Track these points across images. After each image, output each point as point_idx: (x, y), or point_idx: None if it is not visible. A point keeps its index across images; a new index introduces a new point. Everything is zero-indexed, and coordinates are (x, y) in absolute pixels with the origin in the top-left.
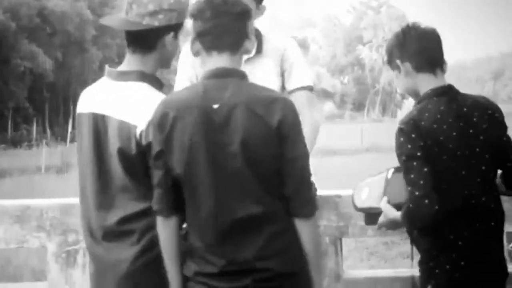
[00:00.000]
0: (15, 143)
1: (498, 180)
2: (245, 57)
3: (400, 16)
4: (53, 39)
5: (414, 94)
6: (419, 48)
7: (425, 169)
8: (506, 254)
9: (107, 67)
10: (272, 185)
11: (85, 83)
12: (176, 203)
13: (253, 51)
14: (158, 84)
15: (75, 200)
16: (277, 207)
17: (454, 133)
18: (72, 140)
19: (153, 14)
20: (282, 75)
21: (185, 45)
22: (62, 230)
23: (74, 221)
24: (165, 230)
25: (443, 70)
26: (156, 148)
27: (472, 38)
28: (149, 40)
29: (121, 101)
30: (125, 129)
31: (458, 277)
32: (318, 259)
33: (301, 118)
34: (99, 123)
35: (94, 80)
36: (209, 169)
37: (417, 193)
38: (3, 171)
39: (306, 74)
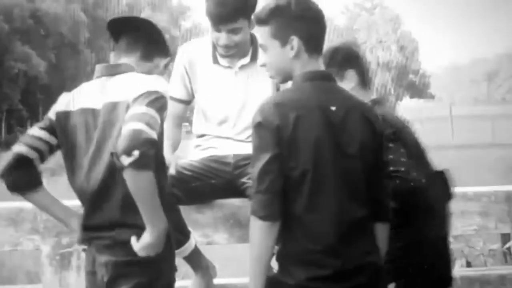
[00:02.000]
0: (8, 146)
1: None
2: (239, 64)
3: (394, 17)
4: (47, 41)
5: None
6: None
7: None
8: (501, 255)
9: (97, 65)
10: (371, 188)
11: (79, 85)
12: (282, 208)
13: (248, 59)
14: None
15: (69, 203)
16: (370, 210)
17: None
18: None
19: None
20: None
21: (181, 48)
22: (56, 233)
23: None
24: (269, 236)
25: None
26: (270, 151)
27: (467, 39)
28: (148, 52)
29: (112, 90)
30: (115, 108)
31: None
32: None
33: None
34: (91, 116)
35: None
36: (331, 169)
37: None
38: None
39: None
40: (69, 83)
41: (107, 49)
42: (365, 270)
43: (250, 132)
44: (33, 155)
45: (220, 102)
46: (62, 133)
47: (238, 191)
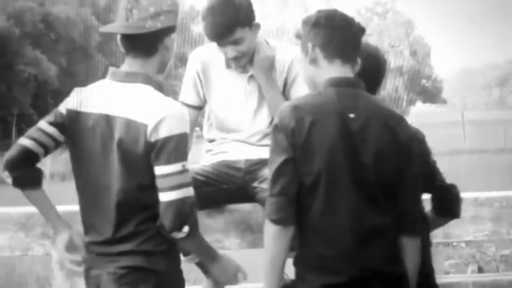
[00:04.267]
0: None
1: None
2: (252, 71)
3: (406, 22)
4: (58, 45)
5: None
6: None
7: None
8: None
9: (111, 68)
10: (392, 198)
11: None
12: (295, 213)
13: None
14: (160, 88)
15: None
16: (391, 219)
17: None
18: None
19: (155, 16)
20: (284, 87)
21: (193, 53)
22: None
23: (78, 228)
24: (282, 240)
25: None
26: (285, 154)
27: (479, 44)
28: (151, 43)
29: (129, 101)
30: (132, 127)
31: None
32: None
33: None
34: (105, 123)
35: None
36: (346, 176)
37: None
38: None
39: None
40: (80, 87)
41: (118, 53)
42: (383, 279)
43: (261, 135)
44: (39, 150)
45: (233, 106)
46: (72, 133)
47: (249, 196)
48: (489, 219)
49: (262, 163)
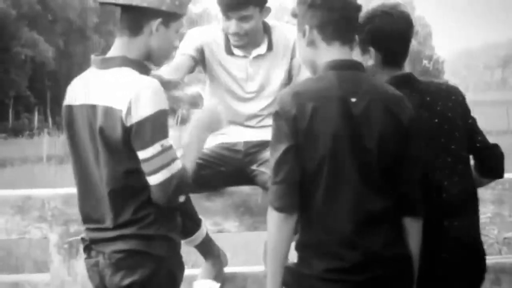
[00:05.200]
0: (16, 132)
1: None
2: (254, 53)
3: (407, 2)
4: (55, 26)
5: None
6: (390, 36)
7: None
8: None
9: (92, 56)
10: (393, 181)
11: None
12: (298, 200)
13: (264, 48)
14: (143, 68)
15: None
16: (392, 203)
17: None
18: None
19: None
20: (290, 71)
21: (193, 30)
22: (64, 221)
23: (76, 211)
24: (285, 227)
25: (405, 59)
26: (286, 142)
27: (480, 24)
28: (135, 21)
29: (105, 88)
30: (110, 115)
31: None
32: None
33: None
34: (89, 113)
35: None
36: (349, 161)
37: None
38: (4, 161)
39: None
40: (77, 69)
41: (116, 34)
42: (385, 262)
43: (260, 118)
44: None
45: (233, 90)
46: (68, 128)
47: (248, 179)
48: (492, 201)
49: (261, 145)
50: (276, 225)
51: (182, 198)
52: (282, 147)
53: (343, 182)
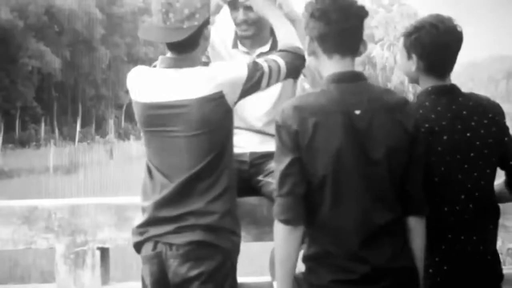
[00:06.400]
0: (23, 143)
1: (500, 186)
2: (258, 51)
3: (412, 14)
4: (61, 38)
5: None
6: (432, 47)
7: None
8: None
9: (161, 57)
10: (399, 188)
11: (93, 82)
12: (304, 212)
13: (268, 47)
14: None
15: (84, 201)
16: (400, 210)
17: (445, 137)
18: (80, 140)
19: (190, 16)
20: None
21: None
22: (70, 231)
23: (82, 221)
24: (292, 240)
25: (448, 71)
26: (290, 154)
27: (485, 37)
28: (193, 42)
29: (186, 84)
30: (210, 100)
31: (439, 281)
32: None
33: None
34: (166, 109)
35: (102, 80)
36: (354, 174)
37: None
38: (11, 171)
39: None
40: (84, 80)
41: (122, 45)
42: (391, 273)
43: (267, 119)
44: None
45: None
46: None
47: (254, 189)
48: None
49: (267, 156)
50: (282, 237)
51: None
52: (286, 160)
53: (349, 197)
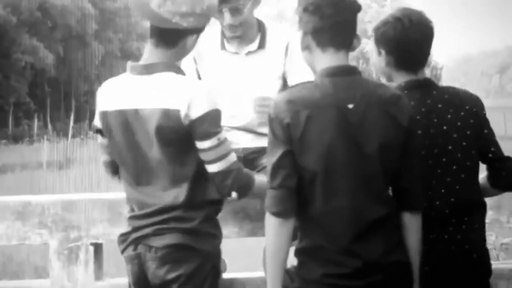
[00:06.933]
0: (16, 139)
1: (483, 180)
2: (246, 50)
3: None
4: (54, 33)
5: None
6: (397, 42)
7: None
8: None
9: (129, 62)
10: (391, 183)
11: (87, 78)
12: (296, 205)
13: (256, 45)
14: (182, 73)
15: (77, 196)
16: (395, 205)
17: (420, 131)
18: (74, 136)
19: (184, 15)
20: (284, 69)
21: None
22: (64, 227)
23: (76, 217)
24: (283, 233)
25: (419, 65)
26: (282, 147)
27: (478, 31)
28: (172, 38)
29: (154, 92)
30: (167, 116)
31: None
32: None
33: None
34: (129, 117)
35: (96, 75)
36: (347, 169)
37: None
38: (4, 167)
39: (307, 70)
40: (77, 76)
41: (115, 41)
42: (384, 268)
43: (260, 119)
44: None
45: (229, 88)
46: (106, 131)
47: None
48: (490, 207)
49: (260, 151)
50: (274, 230)
51: (234, 195)
52: (278, 152)
53: (341, 191)
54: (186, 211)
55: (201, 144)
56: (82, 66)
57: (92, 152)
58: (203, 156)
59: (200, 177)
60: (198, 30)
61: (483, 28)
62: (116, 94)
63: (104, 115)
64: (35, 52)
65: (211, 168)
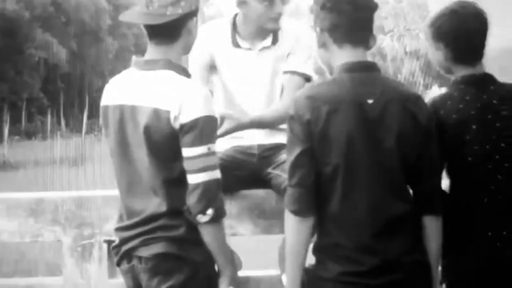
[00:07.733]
0: (29, 135)
1: None
2: (260, 46)
3: (422, 4)
4: (68, 28)
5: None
6: (454, 34)
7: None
8: None
9: (134, 57)
10: (410, 182)
11: (100, 74)
12: (314, 204)
13: (269, 41)
14: (185, 73)
15: (91, 193)
16: (413, 206)
17: (474, 126)
18: (87, 132)
19: (175, 2)
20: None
21: (202, 29)
22: (77, 224)
23: (89, 214)
24: (302, 231)
25: (477, 58)
26: (301, 145)
27: (497, 28)
28: (174, 30)
29: (150, 90)
30: (157, 116)
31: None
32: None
33: (280, 100)
34: (126, 114)
35: (110, 71)
36: (366, 165)
37: None
38: (17, 163)
39: (305, 62)
40: (90, 71)
41: (130, 36)
42: (402, 267)
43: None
44: None
45: (244, 85)
46: (104, 127)
47: (263, 182)
48: None
49: (276, 148)
50: (293, 228)
51: (210, 212)
52: (297, 150)
53: (361, 187)
54: (171, 219)
55: (188, 151)
56: (96, 61)
57: (106, 148)
58: (188, 165)
59: (183, 185)
60: (194, 12)
61: (503, 25)
62: (118, 88)
63: (105, 109)
64: (48, 47)
65: (193, 179)
